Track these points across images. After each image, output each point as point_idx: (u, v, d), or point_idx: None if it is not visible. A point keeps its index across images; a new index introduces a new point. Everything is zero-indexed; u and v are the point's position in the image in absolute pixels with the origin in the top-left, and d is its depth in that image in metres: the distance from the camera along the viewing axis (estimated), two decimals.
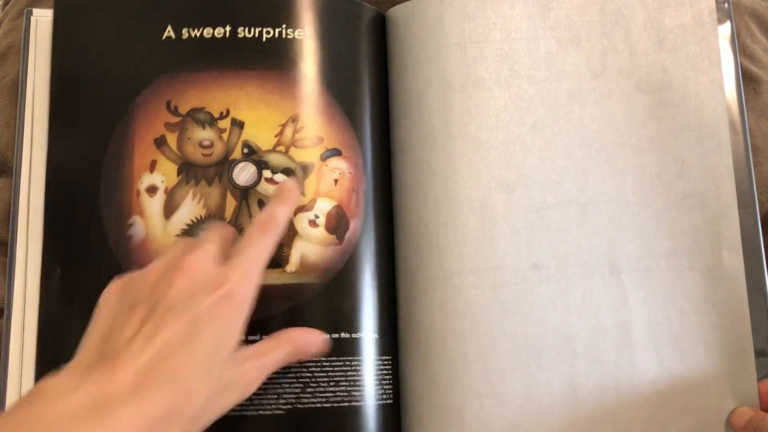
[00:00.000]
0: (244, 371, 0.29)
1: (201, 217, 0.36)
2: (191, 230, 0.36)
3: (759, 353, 0.34)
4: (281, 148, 0.37)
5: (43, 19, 0.39)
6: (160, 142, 0.37)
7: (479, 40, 0.37)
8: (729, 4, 0.38)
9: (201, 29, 0.37)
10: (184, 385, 0.26)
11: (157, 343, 0.26)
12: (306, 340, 0.32)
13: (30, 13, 0.39)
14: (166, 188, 0.36)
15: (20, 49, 0.40)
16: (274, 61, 0.37)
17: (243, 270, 0.29)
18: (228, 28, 0.37)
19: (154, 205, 0.36)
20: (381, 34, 0.40)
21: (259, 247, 0.30)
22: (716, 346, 0.34)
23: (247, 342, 0.35)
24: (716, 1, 0.38)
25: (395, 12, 0.39)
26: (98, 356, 0.26)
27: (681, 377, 0.34)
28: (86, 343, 0.28)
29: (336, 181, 0.36)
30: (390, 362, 0.36)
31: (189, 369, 0.26)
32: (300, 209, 0.36)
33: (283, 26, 0.37)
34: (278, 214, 0.32)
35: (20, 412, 0.24)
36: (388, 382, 0.35)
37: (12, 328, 0.35)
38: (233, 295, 0.28)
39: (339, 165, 0.37)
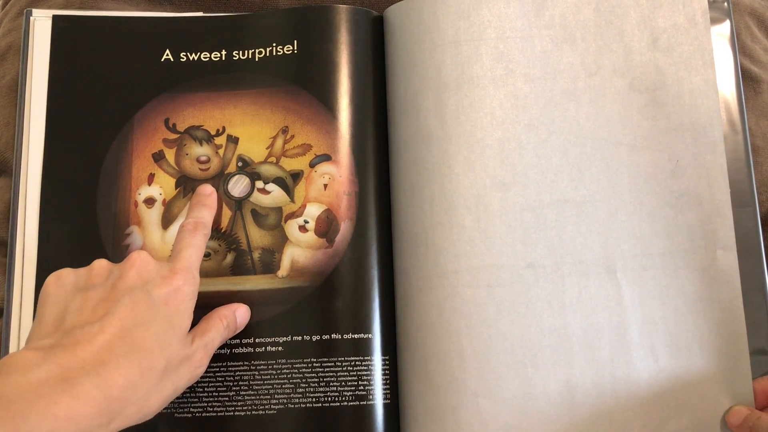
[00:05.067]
0: (194, 351, 0.33)
1: None
2: None
3: (759, 352, 0.36)
4: (272, 159, 0.40)
5: (42, 20, 0.42)
6: (158, 157, 0.40)
7: (474, 38, 0.39)
8: (728, 3, 0.41)
9: (198, 54, 0.41)
10: (141, 360, 0.29)
11: (116, 321, 0.30)
12: (235, 314, 0.37)
13: (29, 14, 0.42)
14: (164, 200, 0.40)
15: (20, 49, 0.42)
16: (266, 78, 0.41)
17: (185, 266, 0.34)
18: (223, 53, 0.41)
19: (151, 215, 0.40)
20: (377, 34, 0.42)
21: (194, 247, 0.35)
22: (711, 345, 0.36)
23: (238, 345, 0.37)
24: (715, 0, 0.41)
25: (391, 11, 0.42)
26: (58, 336, 0.29)
27: (676, 376, 0.36)
28: (39, 329, 0.31)
29: (326, 185, 0.39)
30: (387, 362, 0.38)
31: (146, 346, 0.30)
32: (290, 216, 0.39)
33: (273, 44, 0.41)
34: (203, 216, 0.37)
35: None
36: (385, 382, 0.38)
37: (11, 327, 0.38)
38: (180, 290, 0.33)
39: (328, 170, 0.40)
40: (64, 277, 0.32)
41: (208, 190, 0.39)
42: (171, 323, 0.31)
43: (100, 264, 0.33)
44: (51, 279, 0.32)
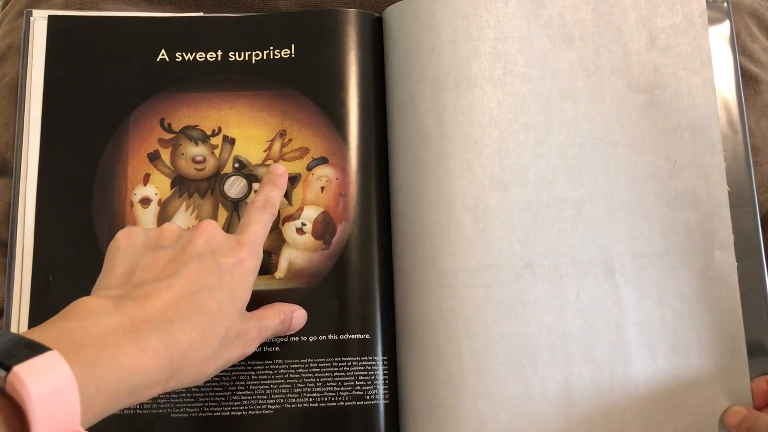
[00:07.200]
0: (249, 328, 0.34)
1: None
2: None
3: (759, 352, 0.37)
4: (270, 162, 0.41)
5: (42, 20, 0.42)
6: (154, 157, 0.41)
7: (472, 38, 0.40)
8: (728, 3, 0.42)
9: (194, 54, 0.42)
10: (205, 324, 0.30)
11: (184, 282, 0.30)
12: (293, 314, 0.38)
13: (29, 14, 0.42)
14: (160, 200, 0.40)
15: (20, 49, 0.43)
16: (263, 81, 0.42)
17: (251, 240, 0.35)
18: (219, 53, 0.42)
19: (147, 216, 0.40)
20: (376, 36, 0.43)
21: (261, 224, 0.36)
22: (709, 346, 0.37)
23: None
24: (714, 0, 0.42)
25: (390, 12, 0.42)
26: (128, 288, 0.30)
27: (675, 376, 0.37)
28: (107, 280, 0.31)
29: (323, 188, 0.40)
30: (387, 362, 0.39)
31: (210, 311, 0.30)
32: (287, 218, 0.40)
33: (271, 48, 0.42)
34: (272, 197, 0.38)
35: (60, 324, 0.26)
36: (384, 382, 0.38)
37: (11, 327, 0.38)
38: (245, 262, 0.33)
39: (325, 172, 0.41)
40: (135, 235, 0.33)
41: (280, 170, 0.39)
42: (234, 293, 0.32)
43: (171, 227, 0.34)
44: (121, 234, 0.33)
